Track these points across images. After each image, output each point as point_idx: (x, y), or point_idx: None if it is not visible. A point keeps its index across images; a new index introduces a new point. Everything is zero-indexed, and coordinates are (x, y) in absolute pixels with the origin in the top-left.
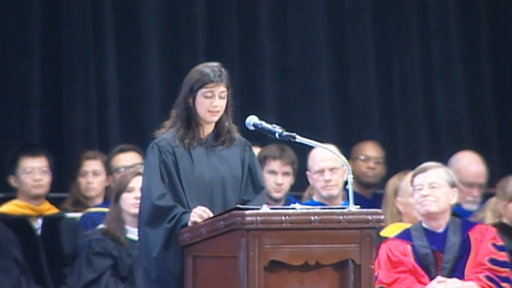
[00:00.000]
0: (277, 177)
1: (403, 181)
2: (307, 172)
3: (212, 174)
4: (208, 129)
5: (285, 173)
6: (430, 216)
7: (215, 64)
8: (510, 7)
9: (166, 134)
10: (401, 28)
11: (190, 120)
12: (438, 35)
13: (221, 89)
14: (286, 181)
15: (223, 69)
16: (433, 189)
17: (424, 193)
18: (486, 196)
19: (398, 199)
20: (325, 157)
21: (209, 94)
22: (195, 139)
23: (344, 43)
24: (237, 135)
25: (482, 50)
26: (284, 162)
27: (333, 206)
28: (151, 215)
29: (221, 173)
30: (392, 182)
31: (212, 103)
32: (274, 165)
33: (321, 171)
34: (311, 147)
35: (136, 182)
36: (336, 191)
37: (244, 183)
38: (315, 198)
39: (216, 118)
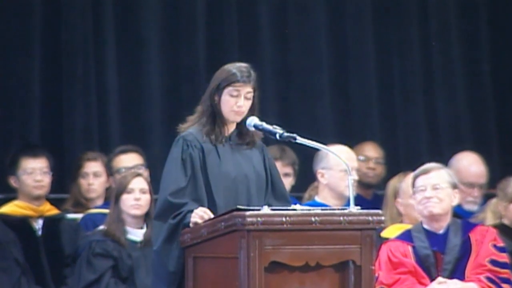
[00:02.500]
0: None
1: (404, 182)
2: (321, 170)
3: (237, 171)
4: (232, 127)
5: (286, 174)
6: (433, 217)
7: (244, 64)
8: (510, 7)
9: (192, 129)
10: (401, 28)
11: (215, 117)
12: (438, 36)
13: (248, 90)
14: (287, 182)
15: (252, 71)
16: (436, 190)
17: (427, 194)
18: (486, 197)
19: (399, 200)
20: (352, 156)
21: (235, 93)
22: (221, 136)
23: (344, 43)
24: (258, 138)
25: (482, 50)
26: (285, 163)
27: (334, 207)
28: (161, 209)
29: (244, 170)
30: (393, 183)
31: (237, 102)
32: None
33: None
34: (312, 148)
35: (136, 183)
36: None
37: (266, 186)
38: (320, 199)
39: (239, 118)
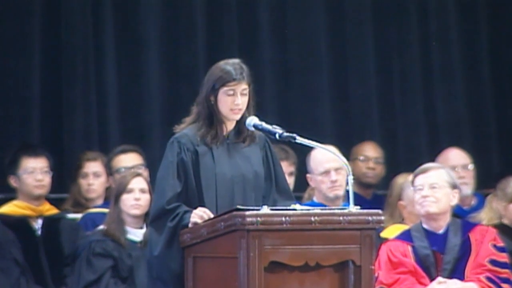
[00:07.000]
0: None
1: (407, 183)
2: (308, 174)
3: (233, 171)
4: (230, 126)
5: (290, 173)
6: (430, 216)
7: (236, 61)
8: (510, 7)
9: (188, 129)
10: (401, 28)
11: (212, 117)
12: (438, 36)
13: (243, 87)
14: (291, 181)
15: (244, 66)
16: (433, 189)
17: (424, 193)
18: (486, 197)
19: (402, 200)
20: (329, 157)
21: (231, 92)
22: (217, 137)
23: (344, 43)
24: (257, 132)
25: (482, 50)
26: (291, 162)
27: (333, 207)
28: (157, 216)
29: (242, 170)
30: (395, 182)
31: (234, 101)
32: (283, 166)
33: (327, 172)
34: (311, 148)
35: (136, 183)
36: (342, 191)
37: (269, 182)
38: (316, 199)
39: (238, 116)
